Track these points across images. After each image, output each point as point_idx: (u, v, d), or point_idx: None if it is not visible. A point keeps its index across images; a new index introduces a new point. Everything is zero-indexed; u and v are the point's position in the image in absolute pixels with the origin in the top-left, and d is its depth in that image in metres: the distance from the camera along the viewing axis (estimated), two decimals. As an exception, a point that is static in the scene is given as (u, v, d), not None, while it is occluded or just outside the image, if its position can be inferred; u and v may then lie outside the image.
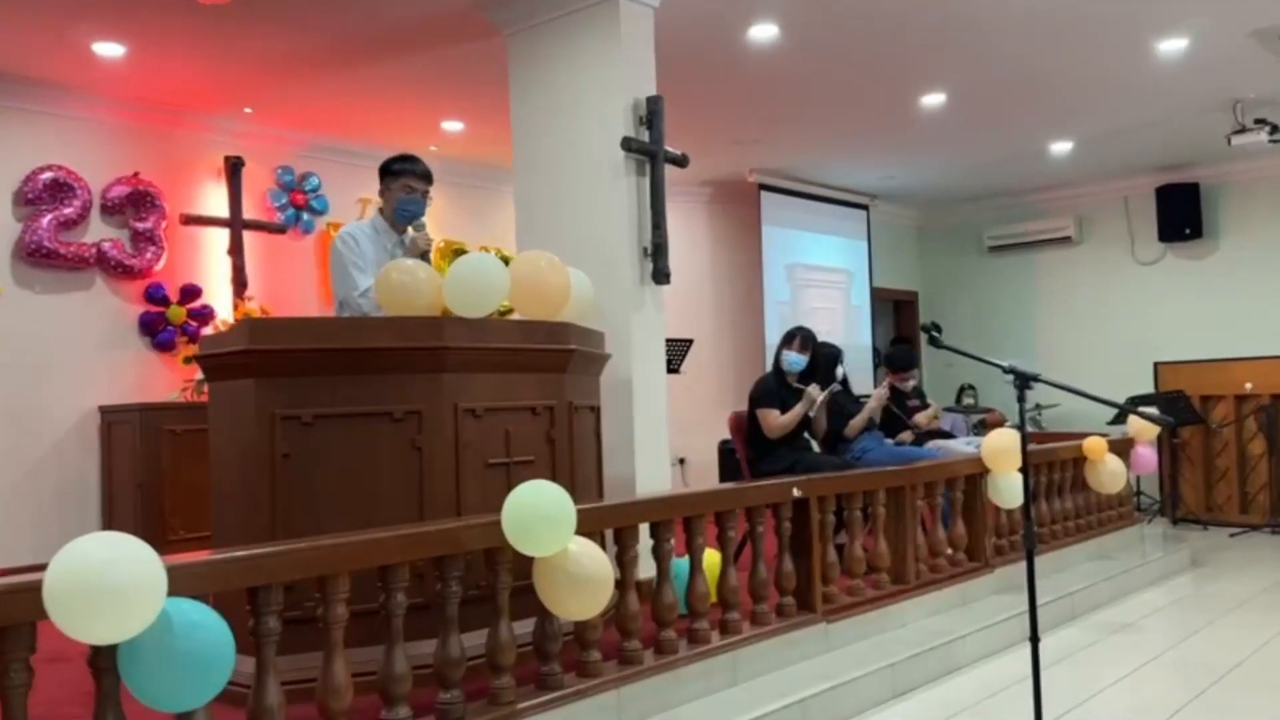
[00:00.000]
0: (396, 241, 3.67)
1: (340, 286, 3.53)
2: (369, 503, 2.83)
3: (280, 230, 6.69)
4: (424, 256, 3.52)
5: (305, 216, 6.83)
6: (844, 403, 5.18)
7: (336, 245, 3.55)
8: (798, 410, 4.80)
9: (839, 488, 3.97)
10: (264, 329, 2.94)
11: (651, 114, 4.38)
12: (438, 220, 7.47)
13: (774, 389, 4.91)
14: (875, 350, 9.77)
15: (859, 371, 9.33)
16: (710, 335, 8.62)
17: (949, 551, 4.55)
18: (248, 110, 6.26)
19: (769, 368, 5.18)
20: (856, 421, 5.17)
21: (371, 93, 6.01)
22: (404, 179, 3.61)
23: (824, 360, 5.06)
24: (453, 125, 6.79)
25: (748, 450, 5.04)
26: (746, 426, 5.00)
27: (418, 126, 6.69)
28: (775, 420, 4.82)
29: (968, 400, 9.04)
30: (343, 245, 3.53)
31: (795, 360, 4.93)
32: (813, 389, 4.76)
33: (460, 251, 7.36)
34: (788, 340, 4.97)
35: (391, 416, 2.87)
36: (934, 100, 6.57)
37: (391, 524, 2.63)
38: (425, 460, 2.89)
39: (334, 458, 2.82)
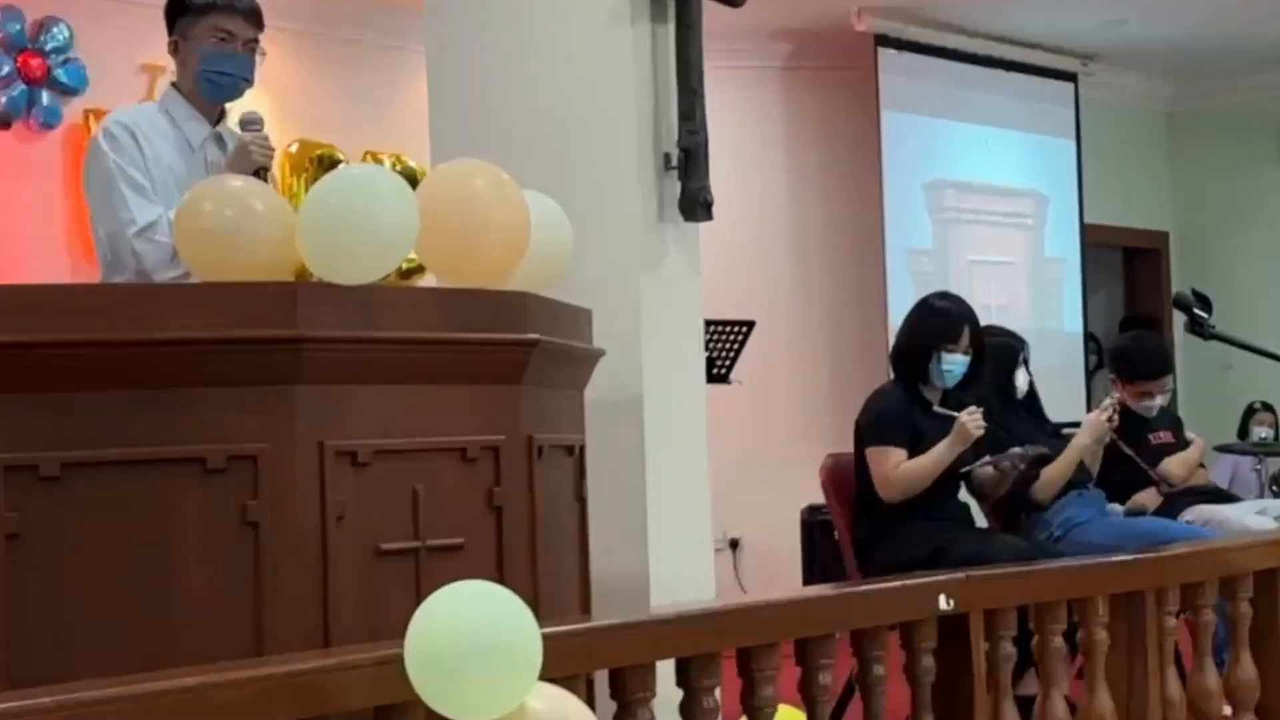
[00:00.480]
0: (208, 136, 3.71)
1: (104, 219, 3.59)
2: (162, 620, 2.83)
3: (1, 124, 6.72)
4: (260, 174, 3.55)
5: (45, 98, 6.85)
6: (1026, 435, 5.20)
7: (98, 146, 3.60)
8: (942, 451, 4.83)
9: (1024, 594, 3.96)
10: (-28, 306, 2.95)
11: (678, -92, 4.40)
12: (286, 102, 7.51)
13: (898, 413, 4.97)
14: (1091, 341, 9.77)
15: (1059, 381, 9.35)
16: (786, 313, 8.66)
17: (1226, 713, 4.55)
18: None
19: (892, 373, 5.21)
20: (1055, 471, 5.18)
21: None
22: (211, 17, 3.65)
23: (991, 360, 5.07)
24: (314, -70, 6.81)
25: (856, 524, 5.07)
26: (856, 483, 5.03)
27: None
28: (899, 469, 4.86)
29: (1260, 431, 9.02)
30: (109, 145, 3.58)
31: (956, 365, 4.99)
32: (1012, 454, 4.83)
33: (329, 162, 7.39)
34: (945, 332, 5.00)
35: (204, 465, 2.88)
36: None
37: (202, 660, 2.63)
38: (265, 544, 2.90)
39: (100, 539, 2.83)
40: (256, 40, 3.70)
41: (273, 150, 3.61)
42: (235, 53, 3.66)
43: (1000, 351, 5.21)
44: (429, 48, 4.82)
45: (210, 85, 3.68)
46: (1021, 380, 5.32)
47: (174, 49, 3.70)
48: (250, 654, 2.83)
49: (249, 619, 2.89)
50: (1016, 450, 4.90)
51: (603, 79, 4.39)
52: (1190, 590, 4.46)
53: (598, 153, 4.39)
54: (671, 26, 4.42)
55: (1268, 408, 9.17)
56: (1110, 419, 5.27)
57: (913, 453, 4.89)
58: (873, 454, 4.90)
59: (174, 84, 3.75)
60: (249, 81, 3.70)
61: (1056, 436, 5.40)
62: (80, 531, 2.83)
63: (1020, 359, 5.30)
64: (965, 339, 4.99)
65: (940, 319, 5.03)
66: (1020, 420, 5.36)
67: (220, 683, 2.49)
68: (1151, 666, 4.26)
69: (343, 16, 7.58)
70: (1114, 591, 4.22)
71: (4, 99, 6.74)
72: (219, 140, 3.71)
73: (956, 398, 5.06)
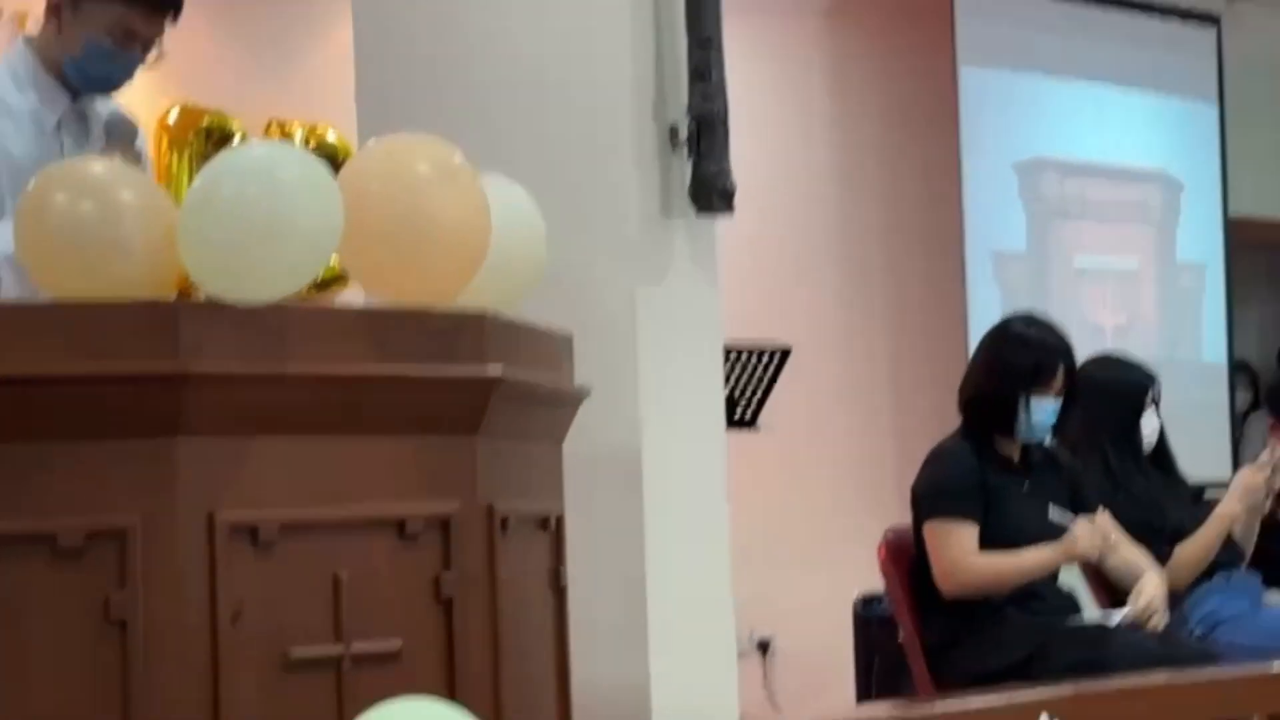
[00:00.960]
0: (67, 111, 3.77)
1: None
2: (1, 754, 2.85)
3: None
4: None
5: None
6: (1154, 498, 5.23)
7: None
8: (1040, 562, 4.92)
9: (1151, 713, 3.97)
10: None
11: None
12: (166, 57, 7.52)
13: (967, 477, 5.01)
14: (1242, 373, 9.78)
15: (1199, 426, 9.36)
16: (832, 340, 8.69)
17: None
18: None
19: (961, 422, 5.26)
20: (1194, 549, 5.20)
21: None
22: (121, 7, 3.71)
23: (1109, 401, 5.09)
24: None
25: (924, 619, 5.10)
26: (916, 560, 5.08)
27: None
28: (971, 561, 4.88)
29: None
30: None
31: (1048, 414, 5.04)
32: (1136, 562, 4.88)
33: (220, 136, 7.42)
34: (1035, 371, 5.03)
35: (54, 545, 2.89)
36: None
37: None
38: (134, 650, 2.91)
39: (-84, 645, 2.84)
40: (160, 37, 3.76)
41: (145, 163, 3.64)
42: (129, 57, 3.71)
43: (1122, 390, 5.24)
44: (356, -15, 4.86)
45: (84, 80, 3.74)
46: (1149, 428, 5.34)
47: (55, 10, 3.72)
48: (116, 799, 2.84)
49: (114, 751, 2.90)
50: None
51: (590, 28, 4.42)
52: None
53: (583, 124, 4.41)
54: (679, -35, 4.46)
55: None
56: (1270, 478, 5.29)
57: (984, 525, 4.91)
58: (933, 531, 4.94)
59: (28, 41, 3.75)
60: (129, 80, 3.74)
61: (1197, 502, 5.41)
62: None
63: (1149, 399, 5.30)
64: (1060, 379, 5.02)
65: (1028, 352, 5.06)
66: (1148, 480, 5.37)
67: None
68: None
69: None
70: (1274, 712, 4.23)
71: None
72: (80, 117, 3.73)
73: (1043, 454, 5.10)
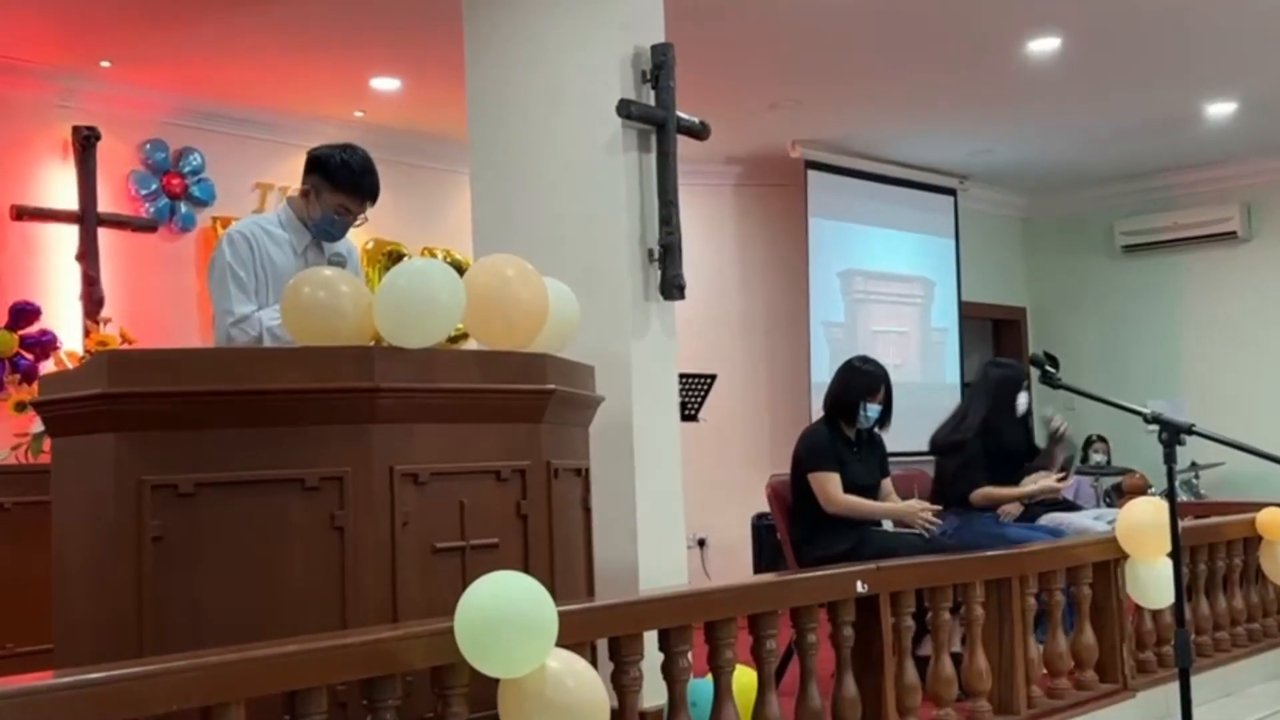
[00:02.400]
0: (310, 243, 3.71)
1: (215, 301, 3.59)
2: (271, 603, 2.82)
3: (149, 227, 6.73)
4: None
5: (183, 208, 6.87)
6: (1018, 445, 5.38)
7: (221, 247, 3.60)
8: (883, 511, 4.94)
9: (921, 579, 3.97)
10: (128, 365, 2.95)
11: (659, 68, 4.42)
12: (374, 214, 7.52)
13: (828, 445, 4.95)
14: (967, 389, 9.78)
15: (940, 421, 9.35)
16: (739, 369, 8.66)
17: (1072, 669, 4.54)
18: (105, 64, 6.32)
19: (816, 413, 5.20)
20: (1004, 494, 5.30)
21: (274, 38, 6.08)
22: (343, 196, 3.64)
23: (1000, 385, 5.25)
24: (386, 84, 6.85)
25: (793, 527, 5.05)
26: (792, 495, 5.02)
27: (338, 85, 6.75)
28: (845, 497, 4.86)
29: (1096, 457, 9.05)
30: (229, 247, 3.58)
31: (874, 412, 5.03)
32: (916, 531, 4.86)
33: (396, 256, 7.42)
34: (869, 388, 5.01)
35: (303, 484, 2.87)
36: (1045, 46, 6.63)
37: (302, 633, 2.63)
38: (349, 544, 2.90)
39: (224, 541, 2.82)
40: (364, 213, 3.71)
41: None
42: (344, 222, 3.68)
43: (1008, 378, 5.32)
44: (473, 171, 4.84)
45: (320, 234, 3.71)
46: (1022, 401, 5.36)
47: (307, 192, 3.66)
48: (337, 627, 2.83)
49: (336, 600, 2.88)
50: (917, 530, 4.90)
51: (603, 193, 4.41)
52: (1045, 577, 4.47)
53: (599, 248, 4.40)
54: (654, 155, 4.44)
55: (1102, 439, 9.21)
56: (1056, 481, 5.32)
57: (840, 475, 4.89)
58: (816, 478, 4.87)
59: (290, 200, 3.74)
60: (345, 235, 3.74)
61: (1032, 454, 5.42)
62: (208, 535, 2.83)
63: (1024, 385, 5.33)
64: (881, 393, 5.01)
65: (866, 378, 5.04)
66: (1017, 431, 5.43)
67: (315, 649, 2.49)
68: (1017, 634, 4.26)
69: (407, 146, 7.59)
70: (988, 578, 4.22)
71: (152, 209, 6.76)
72: (318, 246, 3.72)
73: (869, 435, 5.11)
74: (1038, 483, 5.21)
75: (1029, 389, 5.48)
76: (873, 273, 9.06)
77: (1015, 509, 5.35)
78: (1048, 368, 5.00)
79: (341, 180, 3.63)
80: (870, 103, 7.59)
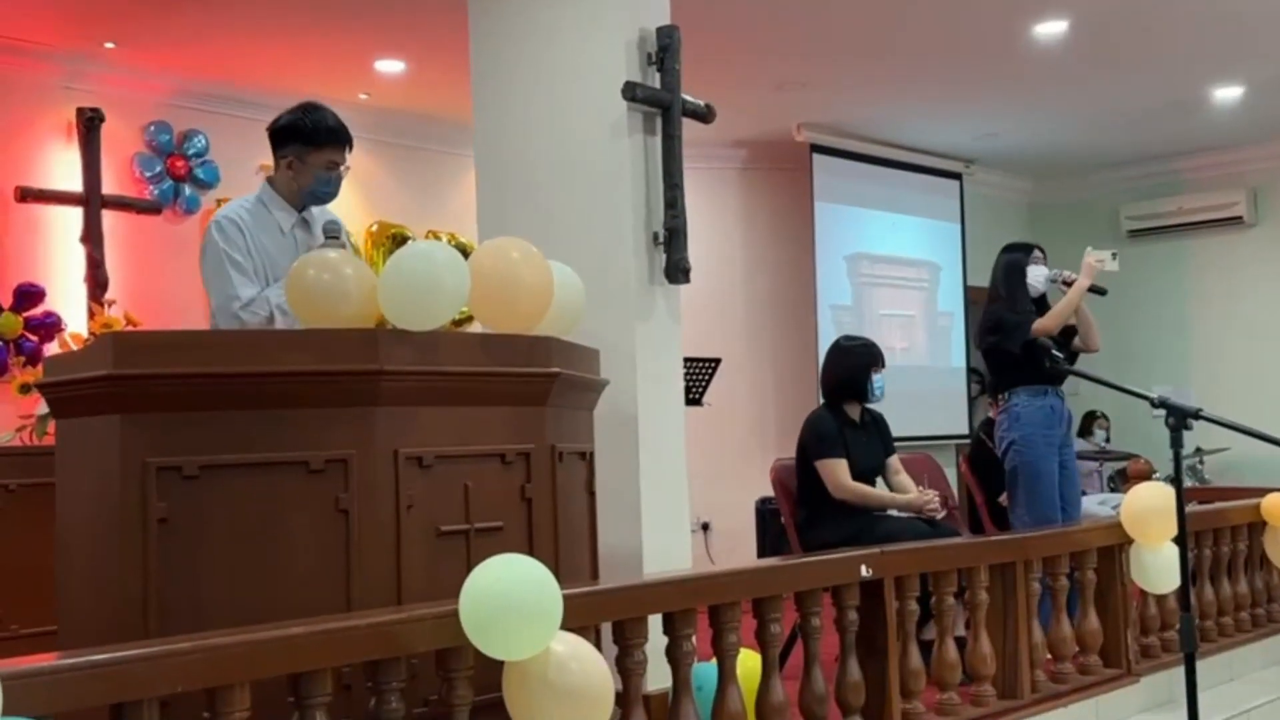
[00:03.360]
0: (296, 221, 3.69)
1: (213, 290, 3.54)
2: (276, 586, 2.82)
3: (153, 209, 6.73)
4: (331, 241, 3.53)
5: (188, 190, 6.87)
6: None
7: (211, 235, 3.56)
8: (889, 502, 4.89)
9: (925, 564, 3.97)
10: (133, 346, 2.94)
11: (664, 50, 4.40)
12: (369, 193, 7.54)
13: (834, 431, 4.93)
14: (973, 374, 9.77)
15: (946, 403, 9.38)
16: (744, 353, 8.64)
17: (1076, 653, 4.54)
18: (109, 45, 6.31)
19: (822, 399, 5.18)
20: (1056, 311, 5.17)
21: (279, 21, 6.07)
22: (328, 151, 3.61)
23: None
24: (390, 65, 6.83)
25: (796, 511, 5.05)
26: (798, 480, 5.01)
27: (342, 67, 6.74)
28: (854, 485, 4.83)
29: (1098, 438, 9.04)
30: (219, 235, 3.54)
31: (883, 381, 5.01)
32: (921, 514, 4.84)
33: (400, 239, 7.41)
34: (872, 359, 4.99)
35: (307, 467, 2.87)
36: (1052, 29, 6.60)
37: (307, 615, 2.63)
38: (353, 527, 2.90)
39: (228, 523, 2.82)
40: (348, 162, 3.68)
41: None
42: (337, 177, 3.65)
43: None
44: (477, 153, 4.83)
45: (314, 199, 3.67)
46: (1037, 277, 5.25)
47: (285, 163, 3.63)
48: (342, 610, 2.82)
49: (341, 583, 2.88)
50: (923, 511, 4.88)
51: (608, 176, 4.40)
52: (1049, 561, 4.47)
53: (604, 231, 4.39)
54: (659, 138, 4.43)
55: (1103, 417, 9.21)
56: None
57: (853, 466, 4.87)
58: (824, 465, 4.85)
59: (269, 180, 3.70)
60: (339, 192, 3.70)
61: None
62: (213, 517, 2.82)
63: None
64: (881, 363, 5.01)
65: (865, 350, 5.03)
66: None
67: (319, 631, 2.50)
68: (1020, 618, 4.26)
69: (412, 129, 7.61)
70: (992, 562, 4.22)
71: (156, 191, 6.76)
72: (304, 224, 3.70)
73: (871, 415, 5.10)
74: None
75: (1044, 261, 5.34)
76: (879, 256, 9.04)
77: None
78: (1054, 352, 5.01)
79: (323, 137, 3.60)
80: (876, 86, 7.56)
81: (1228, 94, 7.93)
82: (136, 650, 2.27)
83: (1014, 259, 5.38)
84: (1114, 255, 5.20)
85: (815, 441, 4.92)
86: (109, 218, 6.53)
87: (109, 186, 6.54)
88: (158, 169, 6.76)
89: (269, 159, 3.72)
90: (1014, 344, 5.11)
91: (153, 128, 6.76)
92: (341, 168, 3.66)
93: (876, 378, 4.98)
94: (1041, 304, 5.33)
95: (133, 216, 6.65)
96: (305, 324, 3.10)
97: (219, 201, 6.89)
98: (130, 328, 6.23)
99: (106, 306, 6.34)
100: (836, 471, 4.83)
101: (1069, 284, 5.26)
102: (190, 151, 6.86)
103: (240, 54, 6.46)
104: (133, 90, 6.66)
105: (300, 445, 2.87)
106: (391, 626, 2.58)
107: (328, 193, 3.68)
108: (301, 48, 6.42)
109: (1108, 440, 8.97)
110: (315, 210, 3.74)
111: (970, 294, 9.49)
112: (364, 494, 2.90)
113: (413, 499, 2.97)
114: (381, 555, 2.92)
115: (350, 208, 7.12)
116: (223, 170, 6.93)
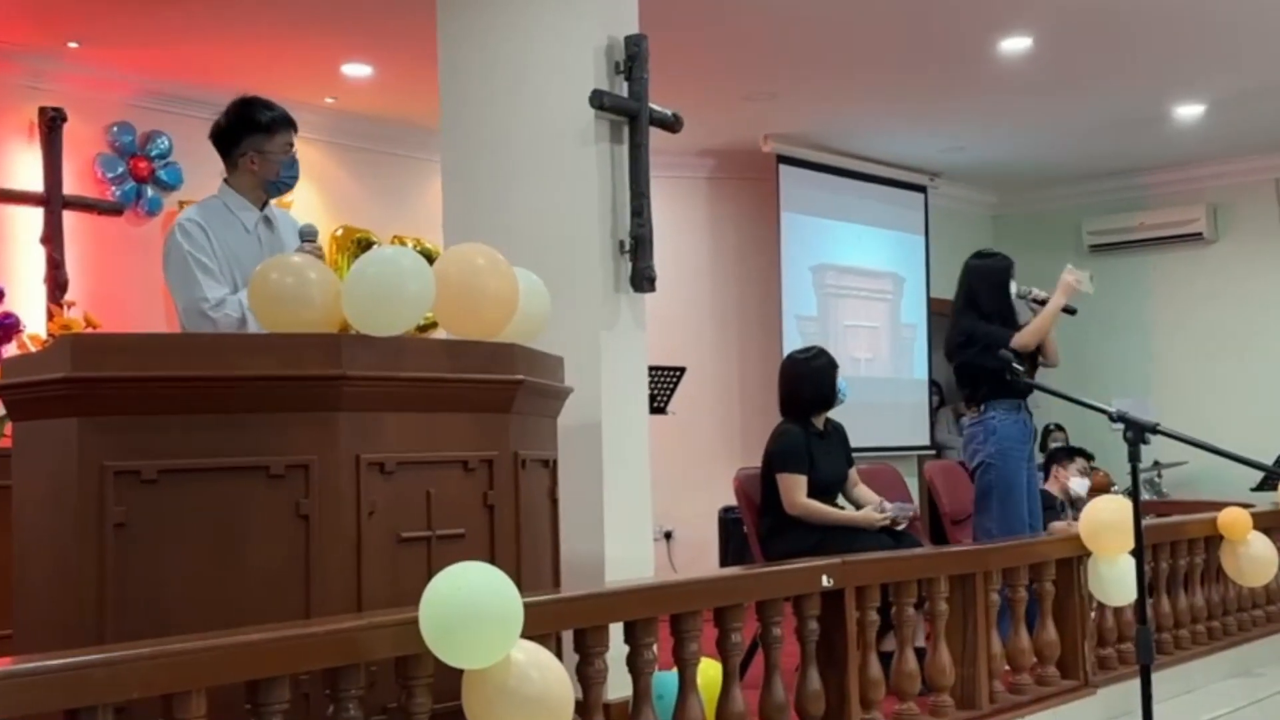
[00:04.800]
0: (259, 219, 3.67)
1: (180, 293, 3.53)
2: (235, 592, 2.81)
3: (115, 211, 6.68)
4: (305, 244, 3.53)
5: (150, 192, 6.82)
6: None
7: (174, 238, 3.55)
8: (843, 519, 4.88)
9: (886, 574, 3.98)
10: (92, 348, 2.92)
11: (632, 58, 4.42)
12: (335, 197, 7.51)
13: (801, 446, 4.94)
14: (934, 385, 9.84)
15: (909, 414, 9.43)
16: (709, 362, 8.67)
17: (1034, 664, 4.57)
18: (73, 45, 6.26)
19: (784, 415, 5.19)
20: (1032, 328, 5.22)
21: (245, 22, 6.04)
22: (282, 134, 3.63)
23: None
24: (357, 69, 6.81)
25: (759, 521, 5.06)
26: (762, 490, 5.02)
27: (309, 70, 6.72)
28: (810, 503, 4.85)
29: (1054, 445, 9.09)
30: (183, 237, 3.52)
31: (846, 384, 5.06)
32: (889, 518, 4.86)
33: (365, 244, 7.38)
34: (834, 366, 5.05)
35: (268, 472, 2.85)
36: (1017, 45, 6.67)
37: (266, 622, 2.62)
38: (314, 533, 2.88)
39: (187, 528, 2.80)
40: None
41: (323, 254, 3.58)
42: (294, 160, 3.67)
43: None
44: (444, 159, 4.83)
45: (281, 187, 3.69)
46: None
47: (247, 159, 3.62)
48: (301, 616, 2.81)
49: (301, 590, 2.86)
50: (894, 513, 4.90)
51: (574, 184, 4.41)
52: (1009, 573, 4.50)
53: (570, 239, 4.40)
54: (626, 146, 4.45)
55: (1059, 428, 9.30)
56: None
57: (812, 473, 4.89)
58: (784, 479, 4.87)
59: (227, 181, 3.69)
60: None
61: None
62: (172, 522, 2.80)
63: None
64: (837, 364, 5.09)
65: (823, 360, 5.07)
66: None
67: (280, 638, 2.48)
68: (980, 630, 4.28)
69: (378, 133, 7.59)
70: (952, 573, 4.24)
71: (118, 192, 6.71)
72: (267, 222, 3.69)
73: (832, 425, 5.13)
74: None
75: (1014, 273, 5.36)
76: (844, 267, 9.09)
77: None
78: (1014, 365, 5.04)
79: (276, 123, 3.63)
80: (843, 98, 7.61)
81: (1189, 111, 8.02)
82: (92, 656, 2.25)
83: (992, 267, 5.38)
84: (1091, 277, 5.26)
85: (781, 454, 4.94)
86: (70, 218, 6.47)
87: (70, 187, 6.49)
88: (120, 170, 6.71)
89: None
90: (988, 358, 5.11)
91: (116, 128, 6.71)
92: (292, 148, 3.68)
93: (841, 381, 5.03)
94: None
95: (94, 218, 6.60)
96: (268, 328, 3.09)
97: (181, 204, 6.86)
98: (90, 330, 6.19)
99: (66, 308, 6.27)
100: (794, 488, 4.85)
101: (1039, 302, 5.30)
102: (153, 153, 6.82)
103: (206, 56, 6.42)
104: (96, 90, 6.62)
105: (261, 450, 2.85)
106: (351, 633, 2.57)
107: (293, 175, 3.69)
108: (268, 50, 6.39)
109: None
110: (276, 210, 3.75)
111: (934, 306, 9.56)
112: (325, 500, 2.89)
113: (374, 505, 2.95)
114: (342, 562, 2.91)
115: (316, 212, 7.09)
116: (186, 172, 6.88)
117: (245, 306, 3.43)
